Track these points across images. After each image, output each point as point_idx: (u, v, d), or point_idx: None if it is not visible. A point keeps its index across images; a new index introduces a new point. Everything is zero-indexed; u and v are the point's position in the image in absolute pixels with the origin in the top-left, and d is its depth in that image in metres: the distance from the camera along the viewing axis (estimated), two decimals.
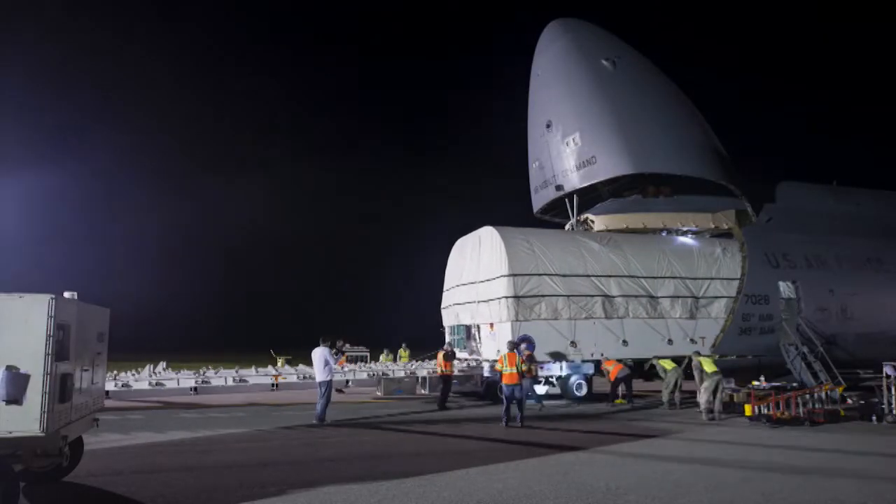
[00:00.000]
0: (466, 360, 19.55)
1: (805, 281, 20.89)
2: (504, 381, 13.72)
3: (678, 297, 19.25)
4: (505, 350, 13.99)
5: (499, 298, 17.90)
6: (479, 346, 19.44)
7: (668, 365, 17.05)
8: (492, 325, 18.47)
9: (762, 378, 16.72)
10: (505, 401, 13.62)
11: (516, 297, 17.48)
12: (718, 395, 14.78)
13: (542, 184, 23.88)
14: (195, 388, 15.03)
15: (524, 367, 14.06)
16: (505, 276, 17.67)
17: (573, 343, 17.83)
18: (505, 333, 17.38)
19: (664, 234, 21.90)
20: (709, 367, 15.04)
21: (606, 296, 18.45)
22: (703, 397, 14.84)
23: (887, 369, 14.33)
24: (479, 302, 19.40)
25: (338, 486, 7.64)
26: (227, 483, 7.91)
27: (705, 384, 14.85)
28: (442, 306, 22.73)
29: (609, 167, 21.00)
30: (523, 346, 15.94)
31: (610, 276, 18.65)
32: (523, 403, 13.71)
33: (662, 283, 19.23)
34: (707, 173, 20.98)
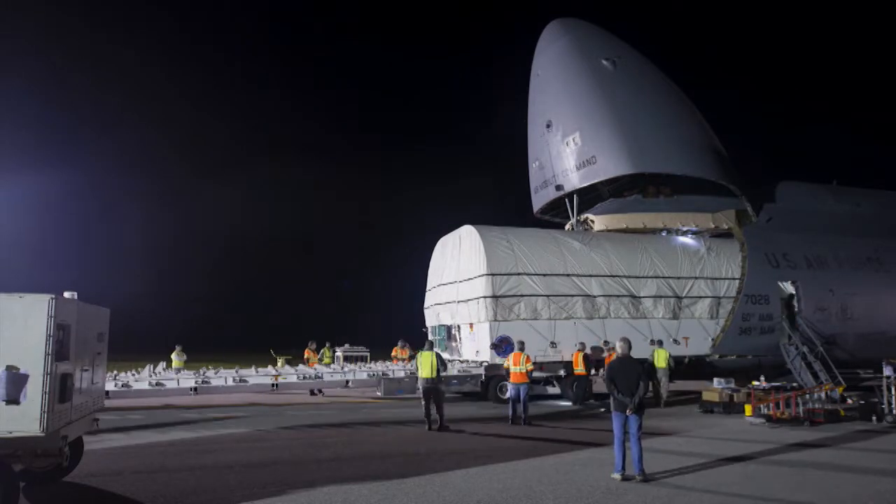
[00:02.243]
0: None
1: (805, 281, 20.88)
2: (511, 381, 13.72)
3: (661, 296, 19.02)
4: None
5: (477, 298, 17.67)
6: (459, 346, 19.21)
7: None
8: (471, 325, 18.24)
9: (762, 378, 16.72)
10: (511, 400, 13.61)
11: (495, 296, 17.21)
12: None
13: (542, 184, 23.89)
14: (195, 389, 15.02)
15: (529, 367, 14.05)
16: (483, 275, 17.43)
17: (553, 343, 17.55)
18: (483, 334, 17.17)
19: (664, 233, 21.89)
20: (660, 362, 17.03)
21: (587, 295, 18.20)
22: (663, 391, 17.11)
23: (887, 370, 14.33)
24: (458, 302, 19.17)
25: (338, 486, 7.65)
26: (227, 483, 7.91)
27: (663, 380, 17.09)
28: (424, 306, 22.53)
29: (609, 167, 21.00)
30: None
31: (591, 276, 18.40)
32: (527, 403, 13.70)
33: (645, 283, 18.97)
34: (707, 173, 20.99)
